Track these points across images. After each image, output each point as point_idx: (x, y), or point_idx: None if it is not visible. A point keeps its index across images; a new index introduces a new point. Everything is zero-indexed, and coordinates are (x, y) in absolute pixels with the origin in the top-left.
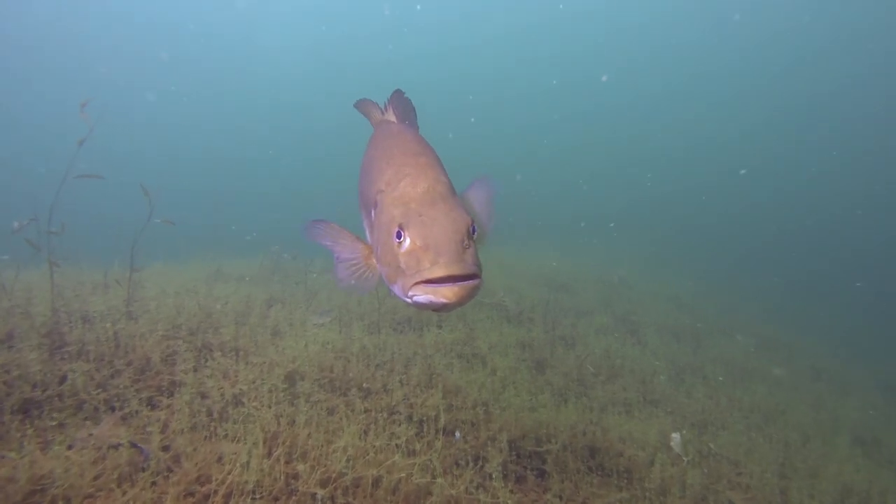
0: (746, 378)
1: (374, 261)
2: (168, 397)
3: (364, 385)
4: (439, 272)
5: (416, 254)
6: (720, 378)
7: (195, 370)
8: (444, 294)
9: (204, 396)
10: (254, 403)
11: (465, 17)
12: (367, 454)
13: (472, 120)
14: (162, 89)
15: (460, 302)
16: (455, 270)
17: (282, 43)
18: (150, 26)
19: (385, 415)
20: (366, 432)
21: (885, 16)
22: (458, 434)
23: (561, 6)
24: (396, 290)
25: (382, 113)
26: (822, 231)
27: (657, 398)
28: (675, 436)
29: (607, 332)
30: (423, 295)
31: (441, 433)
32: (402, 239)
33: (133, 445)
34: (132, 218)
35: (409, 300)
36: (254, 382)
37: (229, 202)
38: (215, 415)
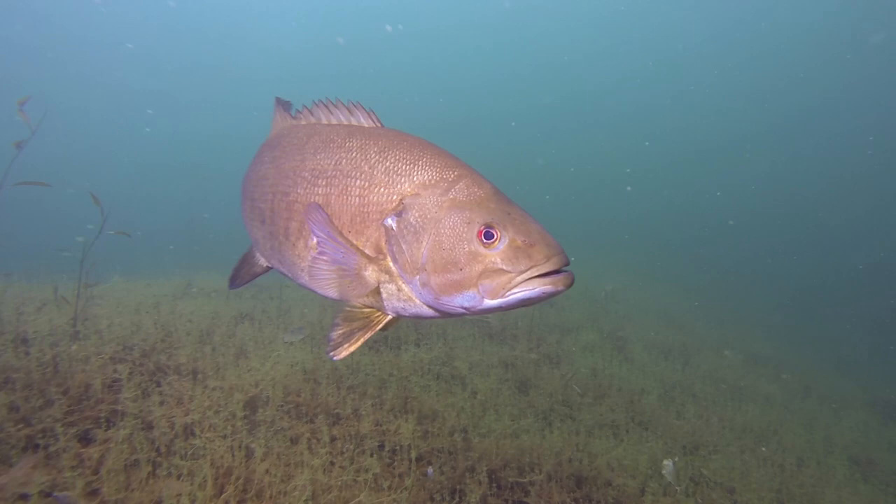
0: (737, 396)
1: (396, 273)
2: (106, 430)
3: (334, 410)
4: (558, 263)
5: (522, 251)
6: (711, 397)
7: (144, 397)
8: (563, 282)
9: (150, 427)
10: (207, 434)
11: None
12: (331, 491)
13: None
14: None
15: (567, 289)
16: (566, 261)
17: (270, 43)
18: (117, 16)
19: (353, 444)
20: (331, 465)
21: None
22: (430, 471)
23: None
24: (472, 296)
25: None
26: (813, 246)
27: (646, 420)
28: (668, 463)
29: (594, 350)
30: (538, 287)
31: (414, 464)
32: (493, 239)
33: (47, 495)
34: (105, 228)
35: (496, 301)
36: (209, 410)
37: (206, 214)
38: (161, 448)
